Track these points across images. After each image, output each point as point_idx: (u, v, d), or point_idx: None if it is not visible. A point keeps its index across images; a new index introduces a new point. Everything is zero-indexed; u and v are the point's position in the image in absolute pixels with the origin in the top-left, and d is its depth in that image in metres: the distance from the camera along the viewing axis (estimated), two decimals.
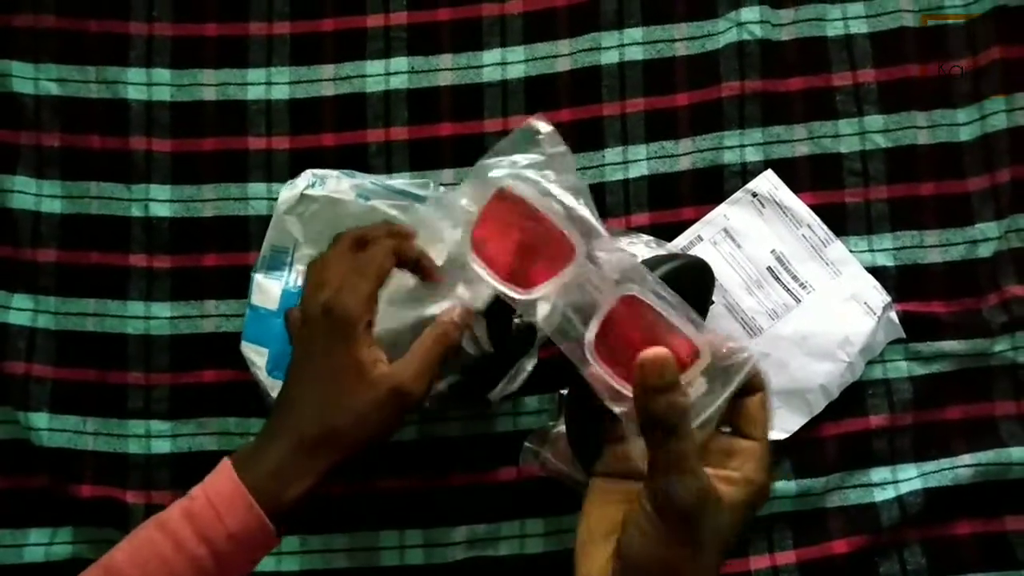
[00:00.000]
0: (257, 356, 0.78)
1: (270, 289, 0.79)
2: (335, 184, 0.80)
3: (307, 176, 0.80)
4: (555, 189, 0.58)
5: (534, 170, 0.59)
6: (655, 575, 0.46)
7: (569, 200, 0.57)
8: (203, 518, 0.58)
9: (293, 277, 0.79)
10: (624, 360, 0.49)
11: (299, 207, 0.79)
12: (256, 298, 0.79)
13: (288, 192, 0.80)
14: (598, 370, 0.51)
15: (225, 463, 0.60)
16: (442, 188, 0.81)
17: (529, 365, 0.75)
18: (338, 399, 0.60)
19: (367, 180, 0.80)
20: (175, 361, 0.82)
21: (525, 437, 0.78)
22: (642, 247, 0.76)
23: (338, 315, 0.61)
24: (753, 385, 0.49)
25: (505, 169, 0.59)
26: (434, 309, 0.73)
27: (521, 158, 0.59)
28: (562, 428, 0.70)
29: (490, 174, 0.59)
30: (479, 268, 0.56)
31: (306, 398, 0.61)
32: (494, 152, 0.60)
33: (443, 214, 0.69)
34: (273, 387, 0.77)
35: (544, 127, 0.59)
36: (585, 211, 0.56)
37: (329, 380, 0.61)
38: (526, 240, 0.56)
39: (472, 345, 0.73)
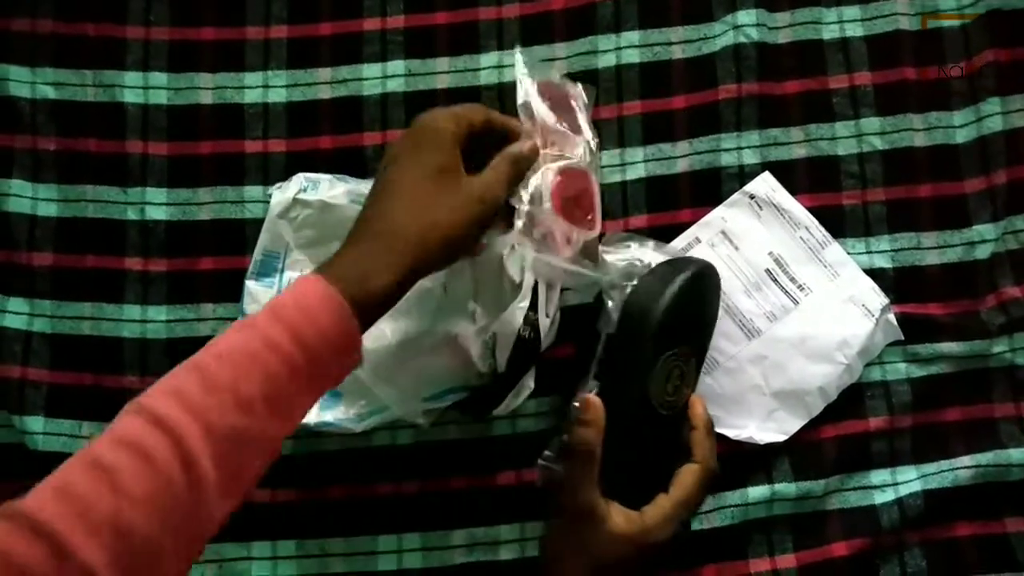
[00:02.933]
0: None
1: (262, 297, 0.78)
2: (328, 188, 0.79)
3: (299, 180, 0.80)
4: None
5: None
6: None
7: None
8: (292, 318, 0.56)
9: (284, 283, 0.79)
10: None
11: (292, 211, 0.79)
12: (249, 306, 0.78)
13: (280, 196, 0.79)
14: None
15: (303, 275, 0.59)
16: None
17: (531, 382, 0.75)
18: (431, 196, 0.62)
19: (360, 185, 0.80)
20: (171, 365, 0.78)
21: (524, 440, 0.78)
22: (650, 252, 0.75)
23: (427, 124, 0.64)
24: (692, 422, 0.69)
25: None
26: (445, 325, 0.74)
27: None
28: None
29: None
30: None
31: (396, 198, 0.62)
32: None
33: None
34: None
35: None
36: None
37: (421, 179, 0.63)
38: None
39: (486, 363, 0.73)
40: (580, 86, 0.78)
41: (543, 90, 0.72)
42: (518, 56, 0.72)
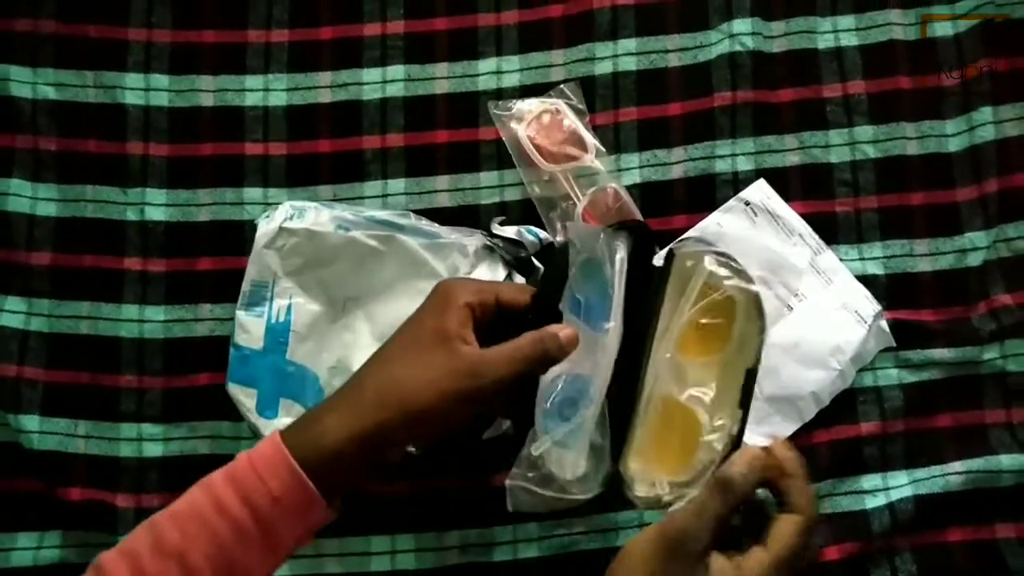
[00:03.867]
0: (245, 398, 0.77)
1: (253, 328, 0.78)
2: (314, 216, 0.79)
3: (285, 208, 0.79)
4: None
5: None
6: None
7: None
8: (245, 480, 0.57)
9: (275, 311, 0.78)
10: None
11: (278, 240, 0.78)
12: (240, 337, 0.78)
13: (266, 226, 0.78)
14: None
15: (274, 431, 0.59)
16: (423, 220, 0.81)
17: None
18: (405, 359, 0.59)
19: (347, 212, 0.80)
20: (168, 364, 0.82)
21: (515, 441, 0.78)
22: None
23: (442, 288, 0.62)
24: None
25: None
26: None
27: None
28: (534, 450, 0.62)
29: None
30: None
31: (376, 358, 0.61)
32: None
33: (441, 256, 0.76)
34: (266, 427, 0.76)
35: None
36: None
37: (409, 341, 0.61)
38: None
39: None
40: (565, 89, 0.81)
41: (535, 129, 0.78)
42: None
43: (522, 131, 0.83)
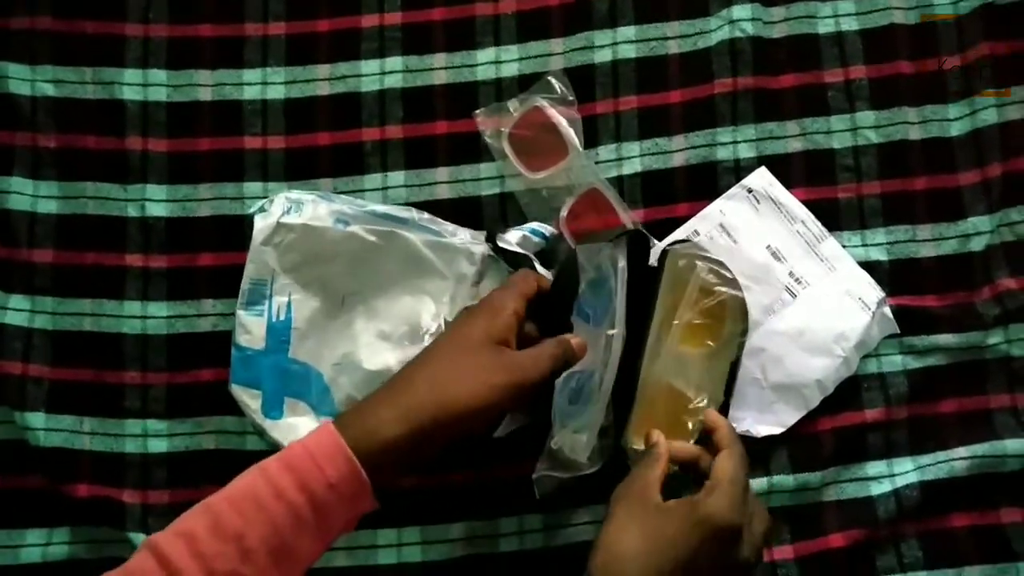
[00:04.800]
0: (250, 399, 0.77)
1: (254, 327, 0.77)
2: (312, 210, 0.78)
3: (281, 202, 0.78)
4: None
5: None
6: None
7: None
8: (302, 468, 0.58)
9: (275, 309, 0.78)
10: None
11: (275, 237, 0.77)
12: (242, 338, 0.77)
13: (263, 221, 0.77)
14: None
15: (326, 422, 0.61)
16: (425, 215, 0.81)
17: None
18: (457, 359, 0.63)
19: (345, 205, 0.79)
20: (172, 360, 0.82)
21: (520, 432, 0.78)
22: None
23: (492, 299, 0.67)
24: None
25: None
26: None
27: None
28: (554, 444, 0.71)
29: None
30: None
31: (425, 362, 0.64)
32: None
33: (446, 257, 0.77)
34: (272, 428, 0.76)
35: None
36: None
37: (455, 346, 0.64)
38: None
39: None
40: (552, 80, 0.83)
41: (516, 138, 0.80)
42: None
43: (506, 143, 0.83)
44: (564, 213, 0.82)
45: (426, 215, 0.81)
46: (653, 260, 0.79)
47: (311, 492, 0.58)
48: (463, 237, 0.79)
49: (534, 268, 0.77)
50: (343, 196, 0.82)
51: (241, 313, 0.78)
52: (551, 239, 0.80)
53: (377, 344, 0.77)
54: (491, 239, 0.78)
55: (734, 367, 0.77)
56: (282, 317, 0.78)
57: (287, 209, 0.78)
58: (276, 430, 0.76)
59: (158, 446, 0.81)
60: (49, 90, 0.85)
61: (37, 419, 0.81)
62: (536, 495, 0.71)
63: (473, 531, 0.80)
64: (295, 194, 0.80)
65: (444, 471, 0.80)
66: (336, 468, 0.58)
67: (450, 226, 0.80)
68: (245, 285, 0.78)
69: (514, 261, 0.78)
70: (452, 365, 0.63)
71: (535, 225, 0.80)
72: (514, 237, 0.78)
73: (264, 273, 0.78)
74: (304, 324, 0.78)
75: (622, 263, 0.71)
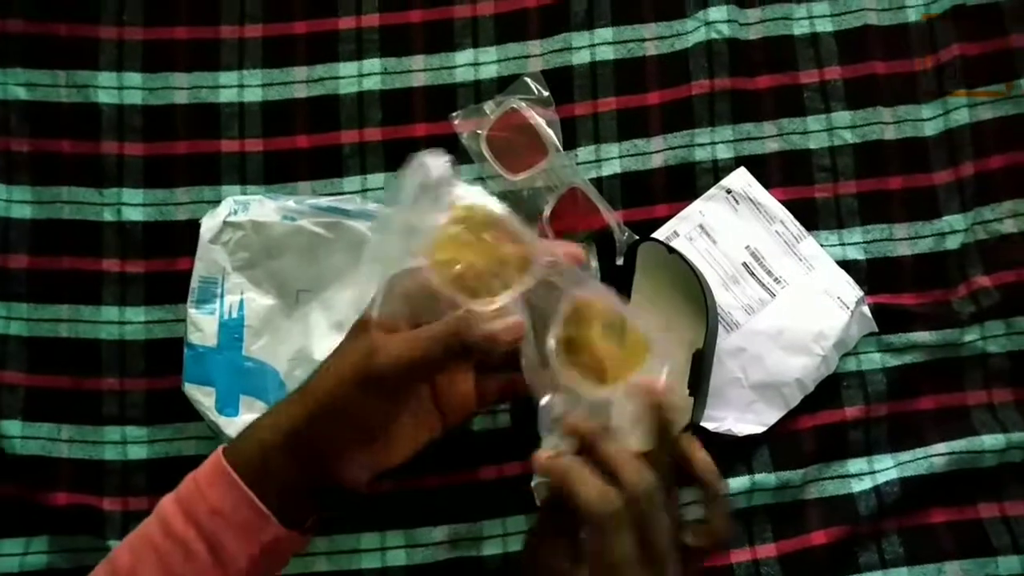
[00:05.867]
0: (203, 396, 0.76)
1: (206, 325, 0.77)
2: (259, 209, 0.78)
3: (228, 204, 0.79)
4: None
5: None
6: None
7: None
8: (189, 498, 0.56)
9: (227, 307, 0.78)
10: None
11: (223, 235, 0.78)
12: (193, 336, 0.77)
13: (210, 221, 0.78)
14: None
15: (217, 449, 0.59)
16: (371, 205, 0.80)
17: None
18: (337, 346, 0.58)
19: (290, 200, 0.79)
20: (150, 366, 0.81)
21: (504, 434, 0.78)
22: None
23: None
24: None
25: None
26: None
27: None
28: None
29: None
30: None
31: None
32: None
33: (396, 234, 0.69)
34: (227, 425, 0.76)
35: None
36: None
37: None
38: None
39: None
40: (528, 80, 0.83)
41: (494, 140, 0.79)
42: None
43: (484, 145, 0.82)
44: (547, 213, 0.81)
45: (370, 203, 0.81)
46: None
47: (196, 522, 0.55)
48: None
49: None
50: (289, 196, 0.81)
51: (192, 311, 0.77)
52: None
53: (332, 336, 0.76)
54: None
55: (697, 356, 0.75)
56: (234, 315, 0.77)
57: (234, 211, 0.78)
58: (232, 427, 0.75)
59: (138, 453, 0.80)
60: (21, 93, 0.84)
61: (14, 427, 0.80)
62: (536, 502, 0.71)
63: (457, 534, 0.79)
64: (241, 197, 0.80)
65: (426, 473, 0.80)
66: (218, 491, 0.55)
67: None
68: (194, 284, 0.78)
69: None
70: (330, 356, 0.57)
71: None
72: None
73: (214, 271, 0.78)
74: (258, 322, 0.78)
75: (594, 263, 0.71)
